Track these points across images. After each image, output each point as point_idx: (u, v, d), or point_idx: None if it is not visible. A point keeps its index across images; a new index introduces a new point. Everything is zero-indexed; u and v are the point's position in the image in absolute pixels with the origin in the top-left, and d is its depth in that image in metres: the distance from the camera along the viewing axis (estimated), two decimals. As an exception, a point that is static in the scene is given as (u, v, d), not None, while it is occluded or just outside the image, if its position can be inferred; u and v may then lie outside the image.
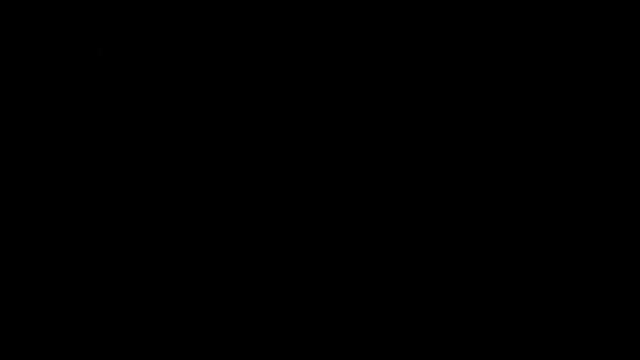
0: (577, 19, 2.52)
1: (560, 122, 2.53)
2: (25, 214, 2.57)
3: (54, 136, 2.59)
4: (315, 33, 2.60)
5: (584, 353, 2.43)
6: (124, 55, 2.60)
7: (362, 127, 2.58)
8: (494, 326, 2.46)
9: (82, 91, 2.60)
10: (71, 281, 2.53)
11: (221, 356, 2.46)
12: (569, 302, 2.47)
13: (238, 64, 2.61)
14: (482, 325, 2.46)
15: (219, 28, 2.60)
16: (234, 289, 2.51)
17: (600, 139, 2.51)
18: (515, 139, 2.54)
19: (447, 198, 2.55)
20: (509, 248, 2.51)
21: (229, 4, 2.59)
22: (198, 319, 2.49)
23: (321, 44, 2.60)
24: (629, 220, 2.48)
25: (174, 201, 2.59)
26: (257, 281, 2.51)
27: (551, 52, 2.54)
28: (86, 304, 2.50)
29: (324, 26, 2.60)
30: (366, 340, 2.46)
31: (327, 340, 2.46)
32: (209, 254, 2.54)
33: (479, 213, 2.53)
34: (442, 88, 2.57)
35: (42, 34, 2.58)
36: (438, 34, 2.57)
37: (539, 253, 2.51)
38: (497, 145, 2.54)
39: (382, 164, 2.57)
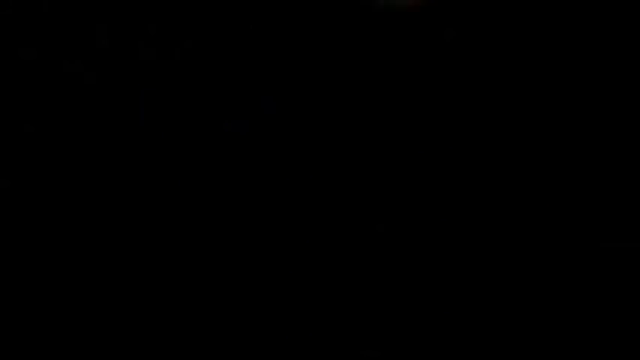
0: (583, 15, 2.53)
1: (559, 122, 2.54)
2: (25, 214, 2.57)
3: (53, 136, 2.59)
4: (314, 32, 2.60)
5: (584, 353, 2.43)
6: (123, 55, 2.60)
7: (362, 126, 2.58)
8: (494, 325, 2.47)
9: (80, 92, 2.60)
10: (71, 281, 2.53)
11: (221, 356, 2.47)
12: (569, 302, 2.47)
13: (237, 64, 2.61)
14: (484, 324, 2.47)
15: (218, 27, 2.61)
16: (234, 288, 2.52)
17: (600, 139, 2.52)
18: (514, 139, 2.54)
19: (447, 198, 2.55)
20: (510, 248, 2.52)
21: (228, 2, 2.60)
22: (198, 319, 2.50)
23: (321, 44, 2.60)
24: (629, 219, 2.49)
25: (173, 201, 2.59)
26: (256, 280, 2.52)
27: (551, 51, 2.55)
28: (86, 304, 2.51)
29: (324, 26, 2.60)
30: (362, 331, 2.47)
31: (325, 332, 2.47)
32: (208, 254, 2.55)
33: (478, 213, 2.54)
34: (440, 87, 2.57)
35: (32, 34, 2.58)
36: (437, 34, 2.58)
37: (539, 253, 2.51)
38: (497, 145, 2.55)
39: (382, 164, 2.57)
